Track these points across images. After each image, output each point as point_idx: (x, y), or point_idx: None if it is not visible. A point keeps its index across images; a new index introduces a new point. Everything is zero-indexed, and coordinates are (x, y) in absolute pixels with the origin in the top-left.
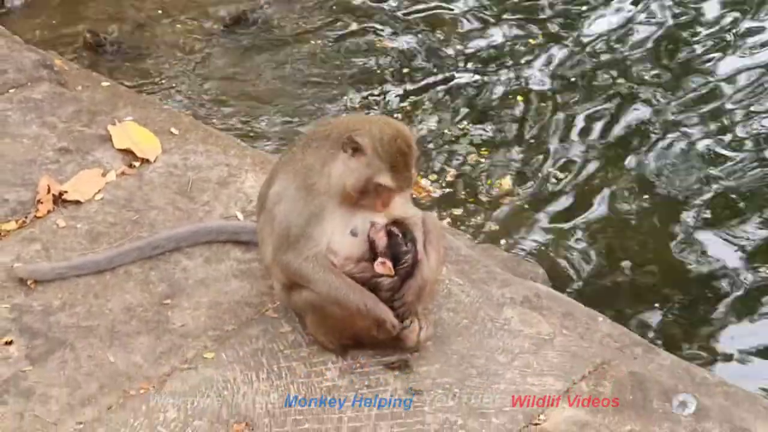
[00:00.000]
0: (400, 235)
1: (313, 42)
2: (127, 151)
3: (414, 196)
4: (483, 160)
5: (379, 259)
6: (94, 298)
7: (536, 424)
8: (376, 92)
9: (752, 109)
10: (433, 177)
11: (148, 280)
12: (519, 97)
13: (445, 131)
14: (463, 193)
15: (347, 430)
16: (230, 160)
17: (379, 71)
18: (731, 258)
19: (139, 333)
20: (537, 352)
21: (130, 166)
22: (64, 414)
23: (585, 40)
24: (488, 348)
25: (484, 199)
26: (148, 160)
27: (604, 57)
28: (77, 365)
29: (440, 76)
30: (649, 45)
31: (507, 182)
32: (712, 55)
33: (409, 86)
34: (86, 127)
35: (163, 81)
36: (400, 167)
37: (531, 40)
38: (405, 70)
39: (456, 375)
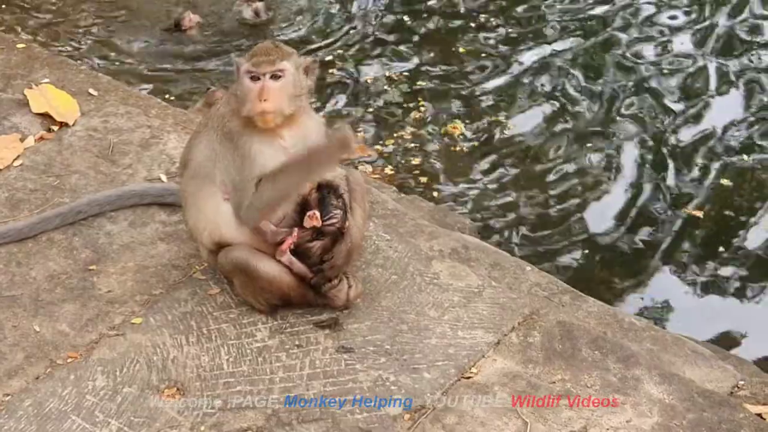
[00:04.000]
0: (332, 192)
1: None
2: (45, 115)
3: (361, 156)
4: (425, 113)
5: (309, 212)
6: (16, 266)
7: (468, 377)
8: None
9: None
10: (376, 135)
11: (72, 246)
12: (462, 49)
13: (382, 84)
14: (409, 146)
15: (279, 390)
16: (152, 121)
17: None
18: (658, 206)
19: (65, 301)
20: (467, 305)
21: (49, 130)
22: None
23: None
24: (418, 303)
25: (429, 149)
26: (66, 124)
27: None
28: (1, 336)
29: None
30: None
31: (459, 125)
32: None
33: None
34: (1, 91)
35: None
36: (259, 54)
37: None
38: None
39: (387, 331)
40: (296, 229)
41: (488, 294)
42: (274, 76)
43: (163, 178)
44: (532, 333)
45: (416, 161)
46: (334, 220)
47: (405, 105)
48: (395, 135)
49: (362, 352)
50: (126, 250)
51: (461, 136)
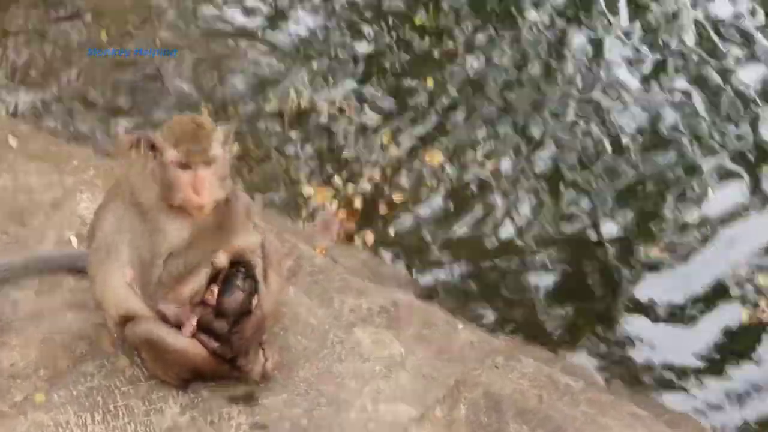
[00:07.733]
0: (241, 270)
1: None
2: None
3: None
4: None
5: (212, 286)
6: None
7: None
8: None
9: None
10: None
11: None
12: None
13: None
14: (373, 181)
15: None
16: (64, 178)
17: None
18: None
19: None
20: (389, 376)
21: None
22: None
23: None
24: (338, 374)
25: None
26: None
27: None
28: None
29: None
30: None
31: (438, 155)
32: None
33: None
34: None
35: None
36: (187, 140)
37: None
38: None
39: (304, 405)
40: (188, 310)
41: (412, 363)
42: (205, 163)
43: (74, 240)
44: (457, 406)
45: (382, 195)
46: (231, 300)
47: (373, 139)
48: (358, 171)
49: (277, 428)
50: (31, 319)
51: (443, 171)
